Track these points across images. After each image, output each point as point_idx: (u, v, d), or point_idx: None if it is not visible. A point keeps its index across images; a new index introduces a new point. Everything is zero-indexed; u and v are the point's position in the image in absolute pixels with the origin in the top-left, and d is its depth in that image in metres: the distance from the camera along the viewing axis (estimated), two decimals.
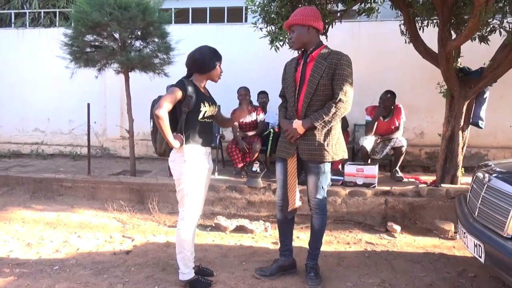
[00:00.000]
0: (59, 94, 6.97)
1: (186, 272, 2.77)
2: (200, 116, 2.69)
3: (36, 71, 7.07)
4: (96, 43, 5.04)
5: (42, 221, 4.21)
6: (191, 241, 2.78)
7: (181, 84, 2.64)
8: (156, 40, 5.17)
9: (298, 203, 2.87)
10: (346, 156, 2.85)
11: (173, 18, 6.47)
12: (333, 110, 2.65)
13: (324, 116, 2.65)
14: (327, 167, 2.78)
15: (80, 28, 4.81)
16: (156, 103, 2.67)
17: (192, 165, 2.66)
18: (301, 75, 2.76)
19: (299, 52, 2.86)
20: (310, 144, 2.72)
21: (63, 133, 7.11)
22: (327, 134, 2.71)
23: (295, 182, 2.82)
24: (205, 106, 2.69)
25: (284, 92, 2.92)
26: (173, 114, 2.62)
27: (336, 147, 2.76)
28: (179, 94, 2.59)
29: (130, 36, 5.04)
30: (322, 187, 2.79)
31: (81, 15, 4.68)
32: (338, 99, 2.65)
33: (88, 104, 5.14)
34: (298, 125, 2.70)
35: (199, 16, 6.96)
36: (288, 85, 2.85)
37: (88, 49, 5.04)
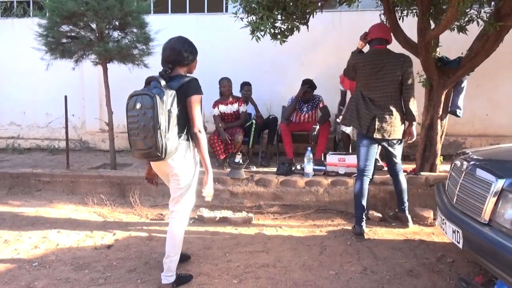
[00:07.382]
0: (35, 87, 6.77)
1: (172, 274, 2.68)
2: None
3: (10, 63, 6.84)
4: (73, 34, 4.90)
5: (20, 217, 4.11)
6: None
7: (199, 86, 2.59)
8: (135, 30, 5.06)
9: None
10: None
11: (152, 8, 6.33)
12: None
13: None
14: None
15: (55, 18, 4.66)
16: (145, 92, 2.44)
17: (195, 161, 2.72)
18: None
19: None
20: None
21: (40, 126, 6.93)
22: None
23: None
24: None
25: None
26: (182, 114, 2.53)
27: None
28: None
29: (107, 27, 4.91)
30: None
31: (55, 4, 4.54)
32: None
33: (66, 97, 5.02)
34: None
35: (179, 5, 6.83)
36: None
37: (64, 40, 4.89)
